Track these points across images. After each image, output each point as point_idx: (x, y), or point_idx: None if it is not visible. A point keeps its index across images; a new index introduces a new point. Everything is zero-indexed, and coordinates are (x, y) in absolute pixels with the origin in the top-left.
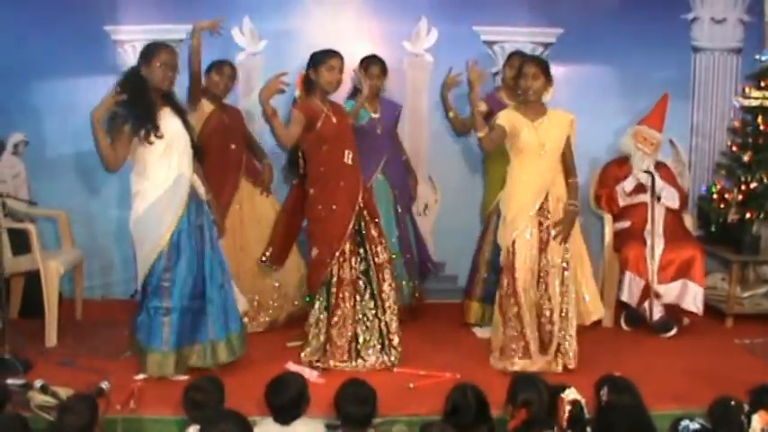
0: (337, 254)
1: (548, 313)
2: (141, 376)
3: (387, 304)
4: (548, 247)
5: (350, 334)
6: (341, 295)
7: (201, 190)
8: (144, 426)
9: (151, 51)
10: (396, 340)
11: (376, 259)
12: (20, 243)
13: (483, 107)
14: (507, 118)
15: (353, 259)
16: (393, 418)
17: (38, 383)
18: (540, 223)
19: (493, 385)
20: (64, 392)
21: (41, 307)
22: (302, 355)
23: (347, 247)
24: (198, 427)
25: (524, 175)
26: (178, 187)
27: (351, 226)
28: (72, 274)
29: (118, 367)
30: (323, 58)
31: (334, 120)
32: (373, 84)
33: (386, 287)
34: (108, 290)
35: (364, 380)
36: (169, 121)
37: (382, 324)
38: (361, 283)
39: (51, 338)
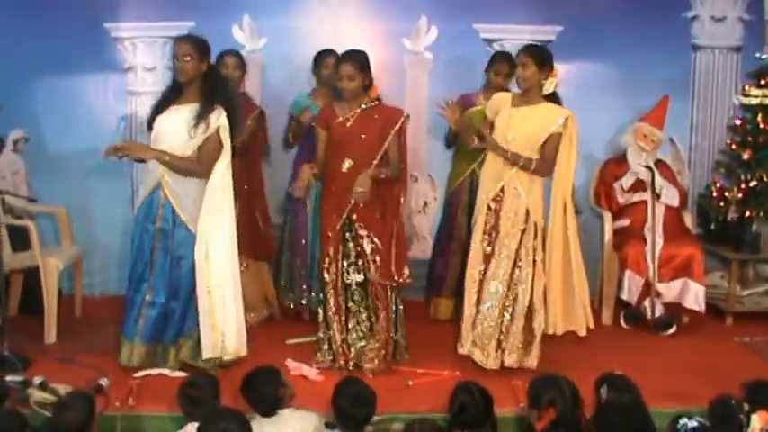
0: (325, 254)
1: (478, 295)
2: (141, 374)
3: (376, 325)
4: (498, 236)
5: (340, 338)
6: (329, 296)
7: (180, 203)
8: (142, 423)
9: (171, 49)
10: (373, 357)
11: (368, 275)
12: (19, 240)
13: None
14: (493, 103)
15: (339, 264)
16: (392, 415)
17: (37, 380)
18: (489, 208)
19: (490, 382)
20: (63, 389)
21: (41, 304)
22: (316, 356)
23: (330, 251)
24: (196, 424)
25: (489, 157)
26: (148, 177)
27: (335, 231)
28: (71, 270)
29: (117, 364)
30: (335, 68)
31: (348, 124)
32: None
33: (377, 306)
34: (107, 286)
35: (362, 379)
36: (168, 117)
37: (377, 338)
38: (356, 293)
39: (51, 335)
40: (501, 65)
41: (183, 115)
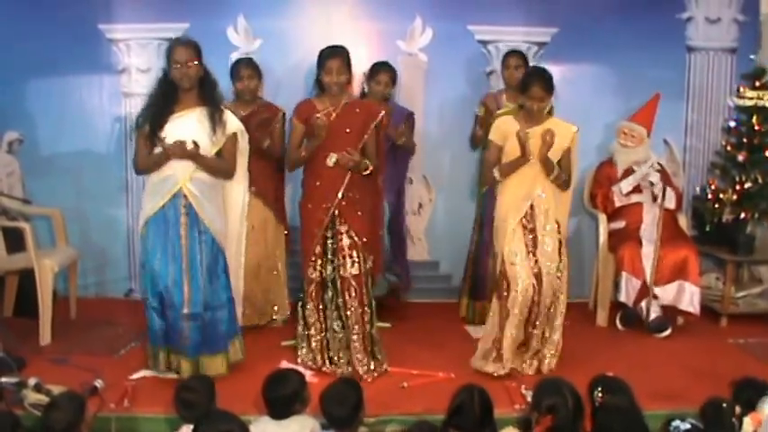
0: (310, 251)
1: (533, 317)
2: (137, 375)
3: (350, 321)
4: (536, 254)
5: (319, 337)
6: (309, 293)
7: (204, 210)
8: (137, 424)
9: (167, 53)
10: (359, 356)
11: (341, 271)
12: (14, 241)
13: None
14: (499, 129)
15: (320, 261)
16: (386, 417)
17: (32, 381)
18: (525, 227)
19: (487, 385)
20: (58, 391)
21: (36, 305)
22: (299, 354)
23: (317, 248)
24: (191, 426)
25: (510, 180)
26: (162, 185)
27: (322, 227)
28: (66, 272)
29: (112, 366)
30: (322, 61)
31: (332, 117)
32: (380, 90)
33: (350, 303)
34: (102, 288)
35: (352, 379)
36: (180, 125)
37: (347, 339)
38: (329, 292)
39: (45, 337)
40: (510, 58)
41: (192, 121)
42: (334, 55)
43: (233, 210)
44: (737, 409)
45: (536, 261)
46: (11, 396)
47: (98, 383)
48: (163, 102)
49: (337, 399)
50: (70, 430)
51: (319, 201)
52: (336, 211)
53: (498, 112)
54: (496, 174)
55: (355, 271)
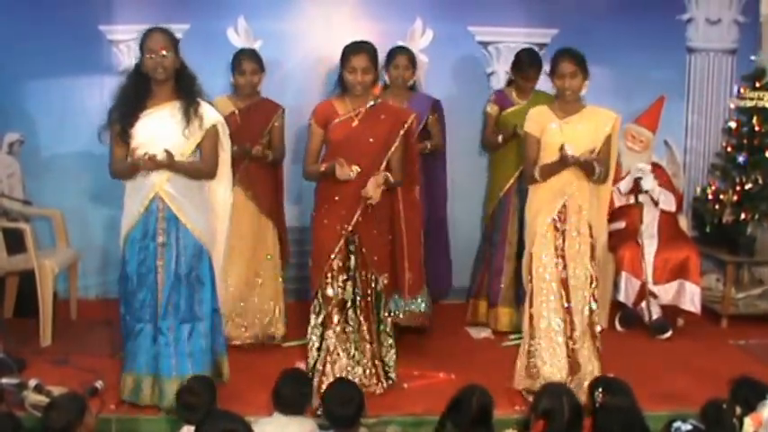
0: (325, 270)
1: (569, 329)
2: None
3: (373, 337)
4: (567, 257)
5: (344, 362)
6: (329, 316)
7: (184, 212)
8: (138, 425)
9: (140, 41)
10: (365, 381)
11: (358, 290)
12: (14, 242)
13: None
14: (535, 120)
15: (341, 278)
16: (387, 417)
17: (32, 383)
18: (556, 229)
19: (487, 385)
20: (58, 392)
21: (36, 306)
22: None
23: (335, 264)
24: (191, 428)
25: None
26: (139, 190)
27: (339, 245)
28: (67, 273)
29: (112, 367)
30: (345, 57)
31: (354, 123)
32: (399, 75)
33: (361, 324)
34: (103, 289)
35: (351, 380)
36: (151, 123)
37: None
38: (350, 311)
39: (46, 338)
40: (529, 68)
41: (165, 117)
42: (360, 51)
43: (217, 212)
44: (738, 410)
45: (564, 266)
46: (11, 397)
47: (99, 384)
48: (134, 96)
49: (339, 399)
50: (69, 430)
51: (336, 218)
52: (351, 228)
53: (508, 110)
54: (537, 175)
55: (365, 292)
